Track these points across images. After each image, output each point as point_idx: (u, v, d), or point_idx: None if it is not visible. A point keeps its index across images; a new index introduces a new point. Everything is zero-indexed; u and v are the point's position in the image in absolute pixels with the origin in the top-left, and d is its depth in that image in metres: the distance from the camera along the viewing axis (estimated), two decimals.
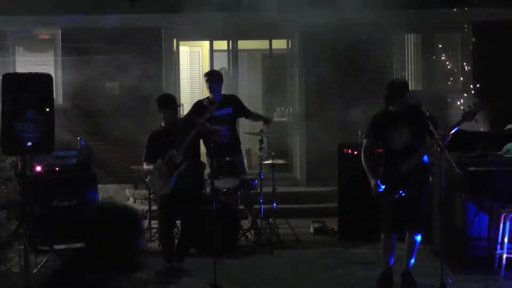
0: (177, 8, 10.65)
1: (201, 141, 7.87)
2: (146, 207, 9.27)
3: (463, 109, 6.31)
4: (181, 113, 11.69)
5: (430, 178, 6.54)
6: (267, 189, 8.53)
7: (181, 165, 7.01)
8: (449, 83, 11.58)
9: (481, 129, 9.01)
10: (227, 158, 8.11)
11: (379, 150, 6.72)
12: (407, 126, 6.33)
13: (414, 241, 6.43)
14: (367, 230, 8.07)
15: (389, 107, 6.43)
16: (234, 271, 6.94)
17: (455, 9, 10.78)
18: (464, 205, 7.01)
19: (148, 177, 7.36)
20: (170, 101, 7.20)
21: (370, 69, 10.98)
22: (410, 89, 6.48)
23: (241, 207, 8.53)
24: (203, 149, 8.25)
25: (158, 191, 7.16)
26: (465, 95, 11.06)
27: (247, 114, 8.71)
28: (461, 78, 11.54)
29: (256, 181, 8.39)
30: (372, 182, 6.35)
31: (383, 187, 6.28)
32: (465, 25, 11.32)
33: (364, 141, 6.59)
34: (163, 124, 7.25)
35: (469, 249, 6.98)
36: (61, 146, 8.82)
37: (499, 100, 10.51)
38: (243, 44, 12.11)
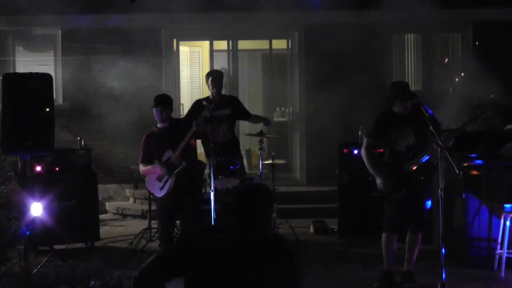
0: (177, 8, 10.65)
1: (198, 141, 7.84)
2: (146, 207, 9.28)
3: (468, 112, 6.33)
4: (182, 113, 11.74)
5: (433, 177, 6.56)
6: None
7: (180, 166, 6.99)
8: (449, 83, 11.59)
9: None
10: (226, 158, 8.10)
11: (380, 150, 6.72)
12: (411, 127, 6.35)
13: (416, 240, 6.44)
14: (367, 230, 8.08)
15: (393, 108, 6.44)
16: None
17: (455, 9, 10.78)
18: (464, 205, 7.01)
19: (146, 179, 7.33)
20: (168, 101, 7.18)
21: (370, 69, 10.98)
22: (411, 90, 6.51)
23: None
24: (200, 149, 8.24)
25: (157, 193, 7.12)
26: (465, 95, 11.05)
27: (247, 116, 8.65)
28: (461, 78, 11.55)
29: (254, 180, 8.40)
30: (378, 180, 6.36)
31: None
32: (465, 25, 11.33)
33: (366, 139, 6.61)
34: (158, 125, 7.22)
35: (469, 249, 6.99)
36: (61, 146, 8.84)
37: (499, 100, 10.52)
38: (243, 44, 12.11)
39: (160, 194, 7.04)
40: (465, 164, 6.94)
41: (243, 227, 3.25)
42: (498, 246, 6.79)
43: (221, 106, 8.22)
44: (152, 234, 8.46)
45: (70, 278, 5.68)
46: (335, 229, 8.80)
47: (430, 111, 6.32)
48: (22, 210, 6.74)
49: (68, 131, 10.58)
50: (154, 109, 7.12)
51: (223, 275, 3.11)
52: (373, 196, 6.51)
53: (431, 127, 6.09)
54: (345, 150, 8.59)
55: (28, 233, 6.39)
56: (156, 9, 10.80)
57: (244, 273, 3.09)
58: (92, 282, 5.39)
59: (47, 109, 6.56)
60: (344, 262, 7.49)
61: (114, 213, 10.89)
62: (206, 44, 12.11)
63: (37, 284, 6.13)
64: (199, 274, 3.15)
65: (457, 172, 5.92)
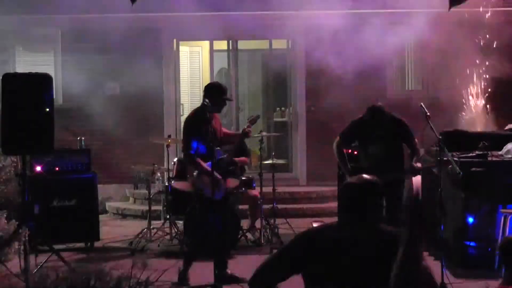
0: (177, 8, 10.65)
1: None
2: (146, 207, 9.28)
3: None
4: (182, 113, 11.74)
5: (403, 191, 6.77)
6: (267, 189, 8.53)
7: (233, 169, 6.88)
8: (449, 83, 11.58)
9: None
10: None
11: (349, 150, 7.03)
12: (384, 141, 6.52)
13: None
14: None
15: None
16: (234, 271, 6.94)
17: (453, 9, 10.77)
18: (464, 205, 7.01)
19: (197, 174, 6.61)
20: (225, 92, 6.86)
21: (370, 69, 10.97)
22: (386, 112, 6.74)
23: (241, 207, 8.53)
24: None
25: (208, 193, 6.46)
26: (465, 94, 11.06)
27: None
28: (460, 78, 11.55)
29: (254, 184, 8.45)
30: (348, 178, 6.52)
31: None
32: (464, 25, 11.31)
33: (337, 137, 6.90)
34: (206, 112, 6.48)
35: (469, 249, 6.98)
36: (61, 146, 8.84)
37: (499, 100, 10.53)
38: (243, 44, 12.11)
39: (213, 197, 6.42)
40: (465, 164, 6.94)
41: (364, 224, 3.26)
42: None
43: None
44: (152, 234, 8.46)
45: (70, 278, 5.68)
46: None
47: (409, 131, 6.75)
48: (22, 210, 6.73)
49: (68, 131, 10.57)
50: (218, 100, 6.66)
51: (344, 271, 3.14)
52: None
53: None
54: (345, 150, 8.57)
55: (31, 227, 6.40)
56: (156, 9, 10.79)
57: (366, 270, 3.11)
58: (92, 282, 5.39)
59: (47, 109, 6.56)
60: None
61: (114, 213, 10.89)
62: (206, 44, 12.10)
63: (37, 284, 6.12)
64: (319, 271, 3.18)
65: (458, 172, 5.93)
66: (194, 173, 6.60)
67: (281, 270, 3.30)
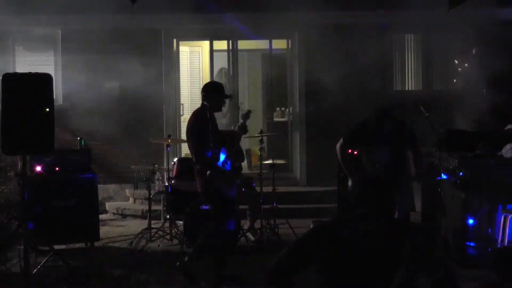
0: (177, 8, 10.65)
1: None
2: (146, 207, 9.28)
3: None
4: (182, 113, 11.75)
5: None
6: (267, 189, 8.53)
7: (239, 167, 6.89)
8: (449, 83, 11.59)
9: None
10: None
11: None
12: (388, 144, 6.51)
13: None
14: None
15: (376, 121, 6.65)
16: (234, 271, 6.94)
17: (454, 9, 10.76)
18: (464, 205, 7.01)
19: (209, 175, 6.56)
20: (223, 89, 6.81)
21: (370, 69, 10.98)
22: (392, 114, 6.75)
23: (241, 207, 8.52)
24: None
25: (226, 192, 6.64)
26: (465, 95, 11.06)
27: None
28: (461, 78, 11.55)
29: (254, 184, 8.43)
30: (350, 181, 6.54)
31: None
32: (465, 25, 11.33)
33: (341, 139, 6.85)
34: (207, 113, 6.56)
35: (469, 249, 6.99)
36: (61, 146, 8.84)
37: (499, 98, 10.52)
38: (243, 44, 12.11)
39: (232, 194, 6.71)
40: (465, 164, 6.94)
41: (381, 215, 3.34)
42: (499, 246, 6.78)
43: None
44: (152, 234, 8.46)
45: (70, 278, 5.69)
46: None
47: (413, 135, 6.72)
48: (22, 210, 6.73)
49: (68, 131, 10.57)
50: (217, 98, 6.66)
51: (361, 263, 3.19)
52: None
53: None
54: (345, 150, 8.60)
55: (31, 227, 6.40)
56: (156, 9, 10.79)
57: (382, 262, 3.16)
58: (92, 282, 5.40)
59: (47, 109, 6.56)
60: None
61: (114, 213, 10.89)
62: (206, 44, 12.10)
63: (37, 284, 6.13)
64: (335, 262, 3.21)
65: (457, 172, 5.94)
66: (208, 173, 6.52)
67: (296, 262, 3.33)
